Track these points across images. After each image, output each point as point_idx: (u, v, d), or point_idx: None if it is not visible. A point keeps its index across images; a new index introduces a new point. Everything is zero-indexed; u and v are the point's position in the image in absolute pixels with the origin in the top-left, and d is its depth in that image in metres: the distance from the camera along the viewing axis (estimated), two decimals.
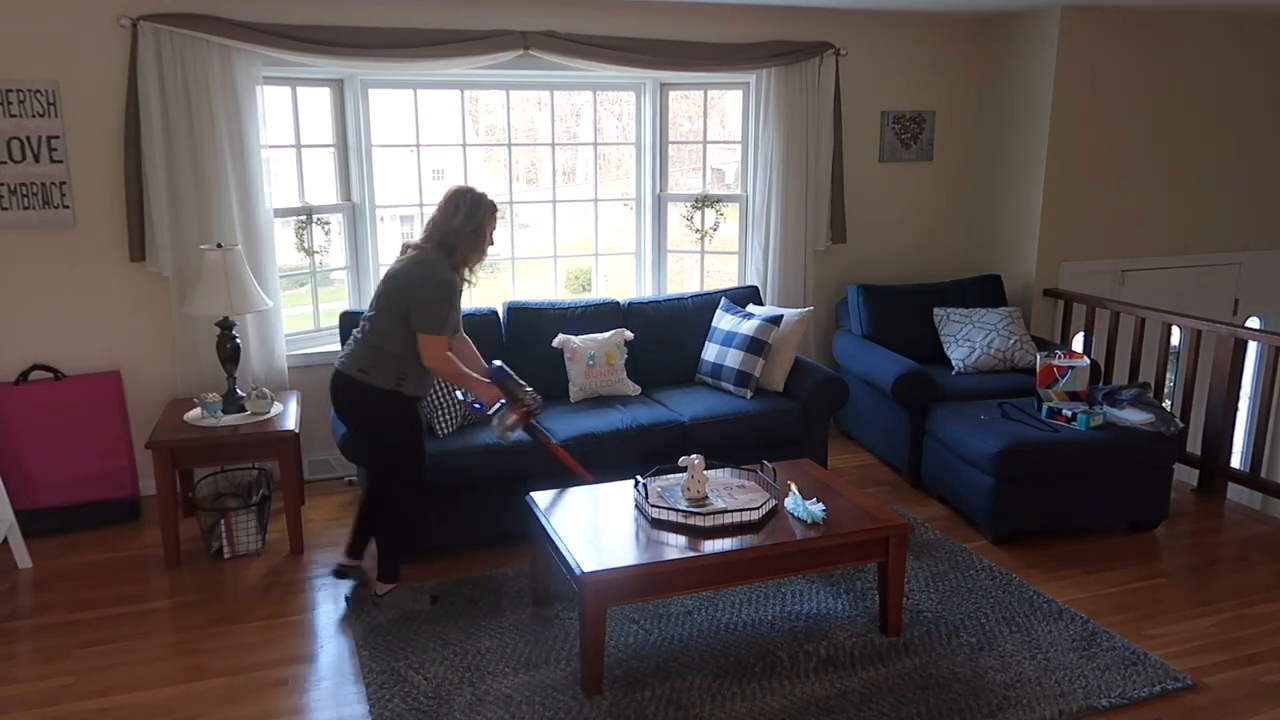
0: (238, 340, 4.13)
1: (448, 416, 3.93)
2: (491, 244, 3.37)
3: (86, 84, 4.14)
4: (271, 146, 4.53)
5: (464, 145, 5.08)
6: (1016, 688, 3.03)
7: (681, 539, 3.09)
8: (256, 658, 3.23)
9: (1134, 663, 3.17)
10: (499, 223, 3.40)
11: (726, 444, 4.24)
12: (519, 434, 3.43)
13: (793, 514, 3.27)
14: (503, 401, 3.42)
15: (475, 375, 3.40)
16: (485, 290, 5.03)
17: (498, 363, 3.47)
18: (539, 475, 3.92)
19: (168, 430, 3.90)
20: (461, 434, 3.94)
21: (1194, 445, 4.81)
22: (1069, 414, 4.14)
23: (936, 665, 3.16)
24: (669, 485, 3.45)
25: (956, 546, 4.03)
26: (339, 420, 3.61)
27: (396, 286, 3.24)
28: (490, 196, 3.34)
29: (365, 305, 4.91)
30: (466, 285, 3.39)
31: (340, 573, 3.67)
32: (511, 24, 4.67)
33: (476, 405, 3.43)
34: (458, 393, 3.49)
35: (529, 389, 3.45)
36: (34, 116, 4.07)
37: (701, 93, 5.44)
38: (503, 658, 3.20)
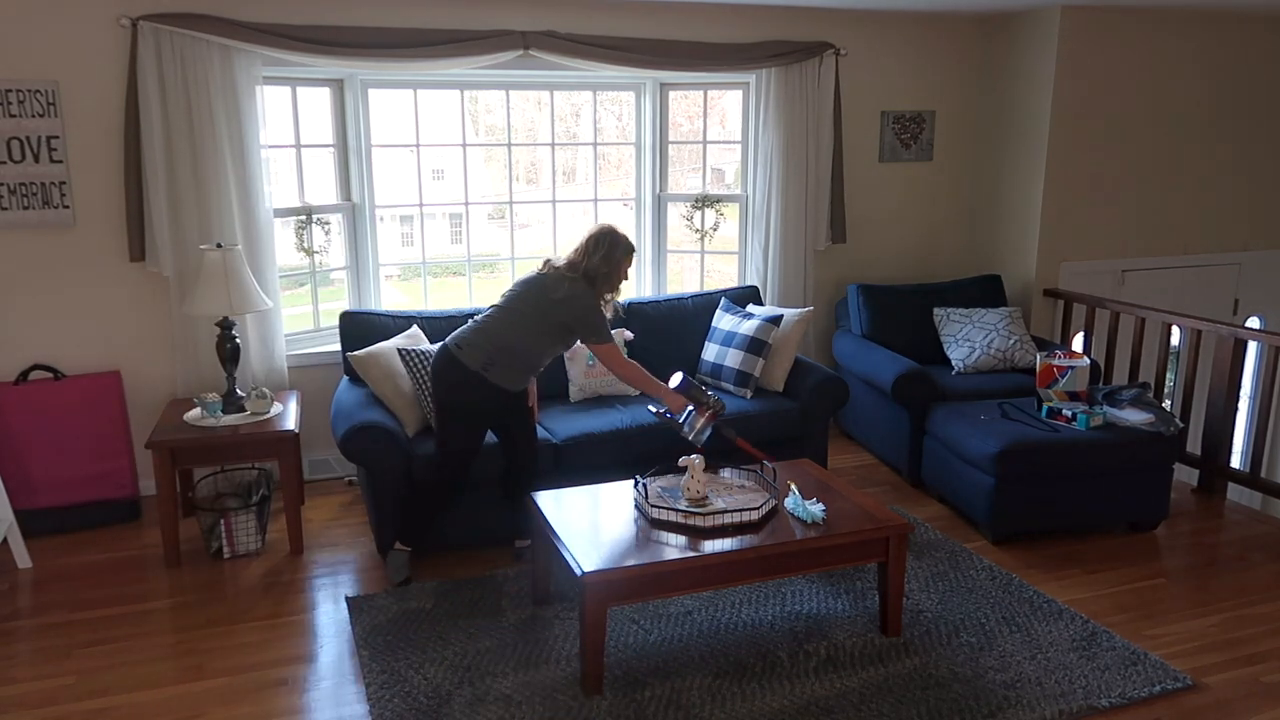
0: (237, 340, 4.13)
1: None
2: (626, 279, 3.65)
3: (86, 84, 4.14)
4: (271, 146, 4.53)
5: (464, 145, 5.08)
6: (1016, 688, 3.03)
7: (681, 539, 3.09)
8: (256, 658, 3.23)
9: (1134, 663, 3.17)
10: (634, 261, 3.69)
11: (727, 444, 4.22)
12: (709, 434, 3.59)
13: (793, 514, 3.27)
14: (691, 409, 3.56)
15: (663, 384, 3.61)
16: (485, 290, 5.04)
17: (681, 373, 3.63)
18: (539, 476, 3.92)
19: (168, 430, 3.90)
20: None
21: (1194, 445, 4.81)
22: (1069, 414, 4.14)
23: (936, 665, 3.16)
24: (669, 485, 3.45)
25: (956, 546, 4.03)
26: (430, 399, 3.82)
27: (550, 297, 3.50)
28: (628, 238, 3.61)
29: (364, 305, 4.93)
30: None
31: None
32: (511, 24, 4.67)
33: (668, 415, 3.61)
34: (650, 406, 3.71)
35: (710, 393, 3.62)
36: (34, 116, 4.07)
37: (701, 93, 5.44)
38: (503, 658, 3.20)
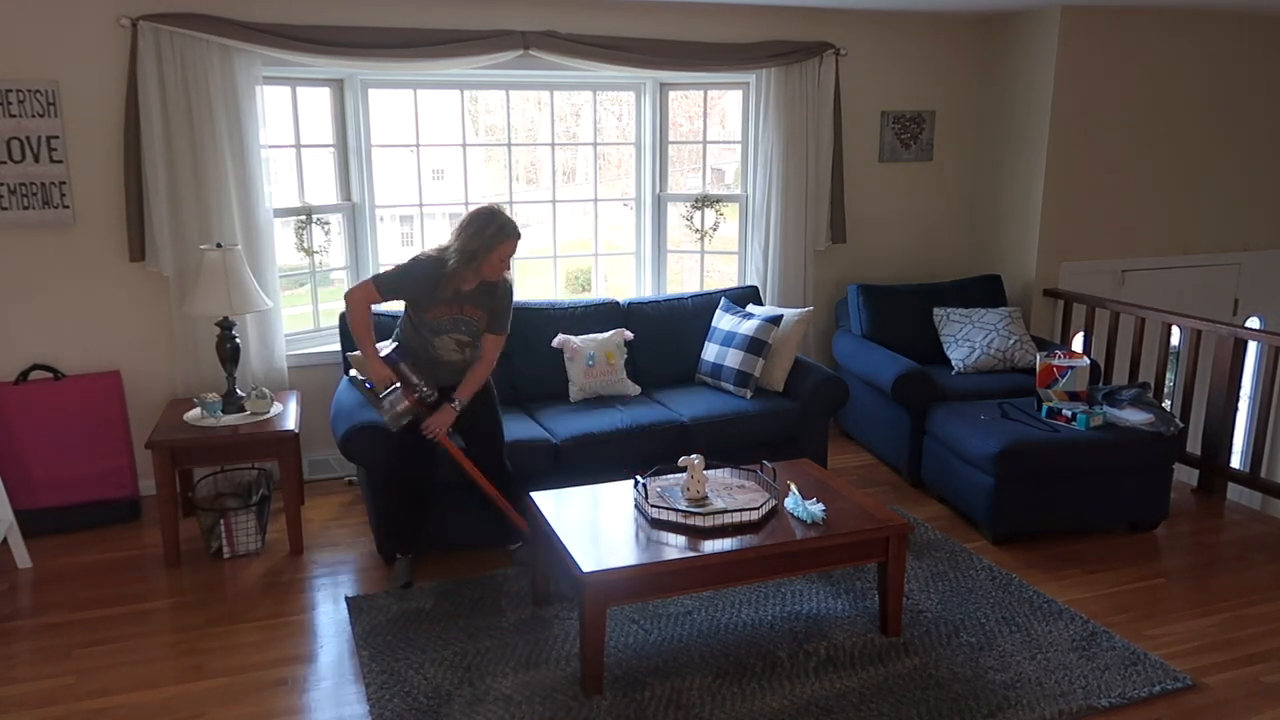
0: (237, 340, 4.13)
1: None
2: (505, 267, 3.51)
3: (86, 84, 4.14)
4: (271, 146, 4.53)
5: (464, 145, 5.08)
6: (1016, 688, 3.03)
7: (681, 539, 3.09)
8: (256, 658, 3.23)
9: (1134, 663, 3.17)
10: (514, 249, 3.50)
11: (726, 444, 4.24)
12: (407, 421, 3.45)
13: (793, 514, 3.27)
14: (396, 386, 3.42)
15: (373, 349, 3.47)
16: None
17: (397, 344, 3.51)
18: (539, 475, 3.92)
19: (168, 430, 3.90)
20: (457, 435, 3.93)
21: (1194, 445, 4.81)
22: (1069, 414, 4.14)
23: (936, 665, 3.16)
24: (669, 485, 3.45)
25: (956, 546, 4.03)
26: None
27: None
28: (511, 222, 3.45)
29: None
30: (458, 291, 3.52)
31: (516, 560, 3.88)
32: (511, 24, 4.67)
33: (368, 385, 3.47)
34: (353, 371, 3.55)
35: (420, 381, 3.46)
36: (34, 116, 4.07)
37: (701, 93, 5.44)
38: (503, 658, 3.20)
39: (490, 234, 3.41)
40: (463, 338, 3.62)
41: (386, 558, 3.88)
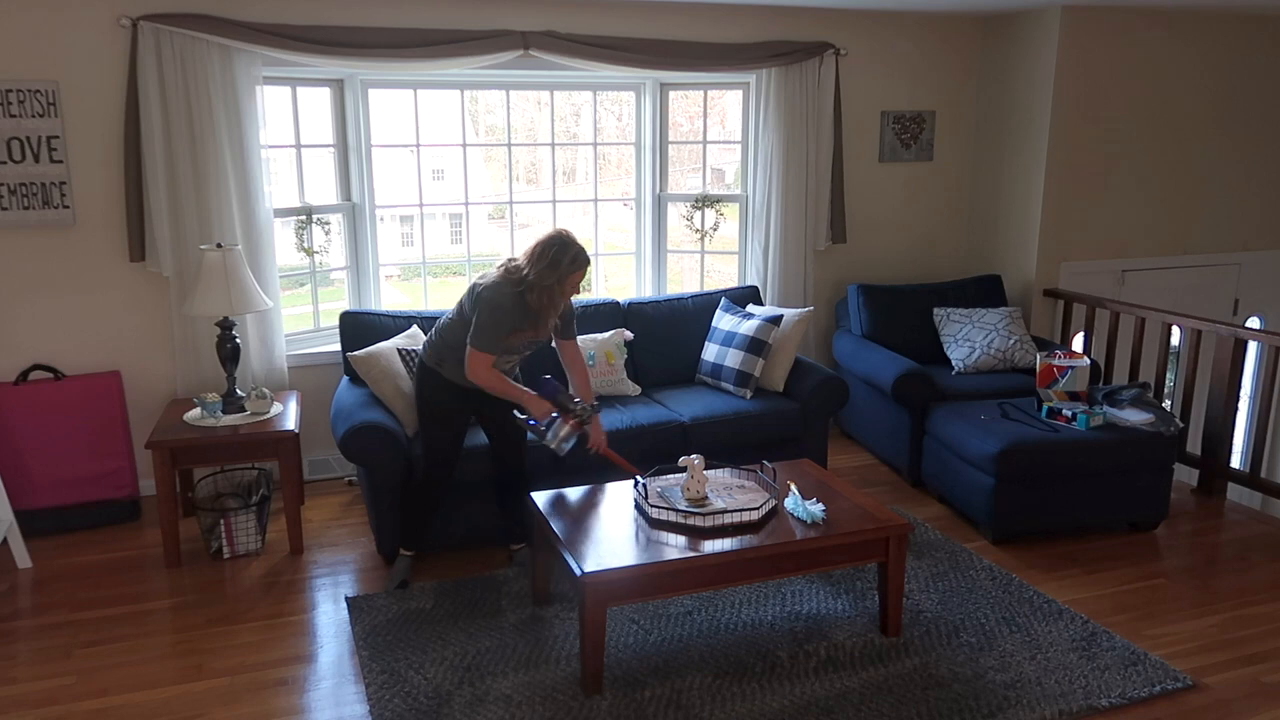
0: (237, 340, 4.13)
1: None
2: (577, 292, 3.57)
3: (86, 84, 4.14)
4: (271, 146, 4.53)
5: (464, 145, 5.08)
6: (1016, 688, 3.03)
7: (681, 539, 3.09)
8: (256, 658, 3.23)
9: (1134, 663, 3.17)
10: (586, 273, 3.50)
11: (726, 444, 4.24)
12: (572, 443, 3.54)
13: (793, 514, 3.27)
14: (555, 415, 3.50)
15: (523, 388, 3.52)
16: None
17: (548, 377, 3.57)
18: (539, 475, 3.92)
19: (168, 430, 3.90)
20: None
21: (1194, 445, 4.81)
22: (1069, 414, 4.14)
23: (936, 665, 3.16)
24: (669, 485, 3.45)
25: (956, 546, 4.03)
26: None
27: (475, 294, 3.48)
28: (582, 250, 3.43)
29: (364, 305, 4.94)
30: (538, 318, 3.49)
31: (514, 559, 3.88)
32: (511, 24, 4.67)
33: (530, 421, 3.53)
34: (515, 412, 3.60)
35: (578, 399, 3.56)
36: (34, 116, 4.07)
37: (701, 93, 5.44)
38: (503, 658, 3.20)
39: (565, 266, 3.38)
40: (526, 353, 3.68)
41: (386, 557, 3.88)
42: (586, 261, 3.45)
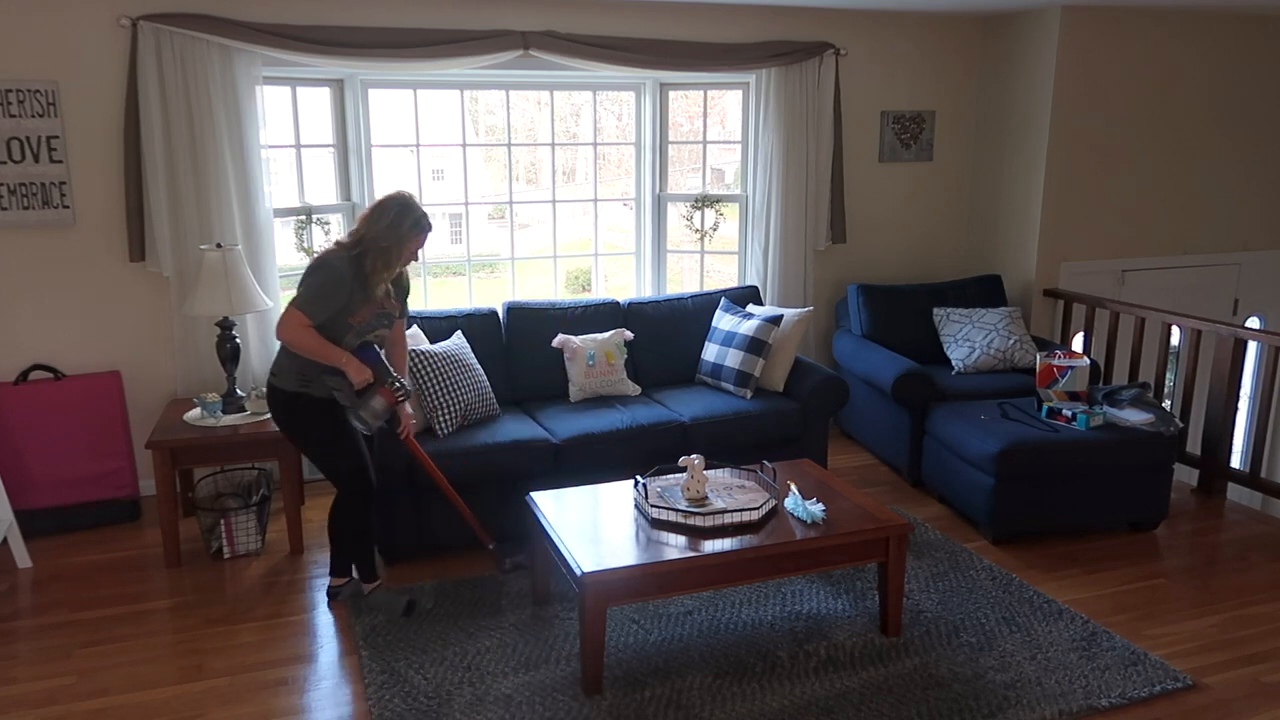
0: (237, 340, 4.13)
1: (448, 416, 3.92)
2: (415, 259, 3.33)
3: (86, 84, 4.14)
4: (271, 146, 4.53)
5: (464, 145, 5.08)
6: (1016, 688, 3.03)
7: (681, 539, 3.09)
8: (256, 658, 3.23)
9: (1134, 663, 3.17)
10: (425, 242, 3.31)
11: (726, 444, 4.24)
12: (382, 421, 3.26)
13: (793, 514, 3.27)
14: (371, 383, 3.20)
15: (343, 351, 3.18)
16: (486, 291, 5.04)
17: (371, 344, 3.28)
18: (539, 475, 3.92)
19: (168, 430, 3.90)
20: (461, 434, 3.94)
21: (1194, 445, 4.81)
22: (1069, 414, 4.14)
23: (936, 665, 3.16)
24: (669, 485, 3.45)
25: (956, 546, 4.03)
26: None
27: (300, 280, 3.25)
28: (424, 213, 3.25)
29: None
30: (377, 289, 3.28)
31: (333, 594, 3.59)
32: (511, 24, 4.67)
33: (336, 391, 3.22)
34: (325, 376, 3.22)
35: (399, 376, 3.31)
36: (34, 116, 4.07)
37: (701, 93, 5.44)
38: (503, 658, 3.20)
39: (406, 229, 3.19)
40: (384, 332, 3.38)
41: (387, 559, 3.87)
42: (428, 227, 3.25)
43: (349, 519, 3.42)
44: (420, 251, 3.34)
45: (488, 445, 3.86)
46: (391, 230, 3.18)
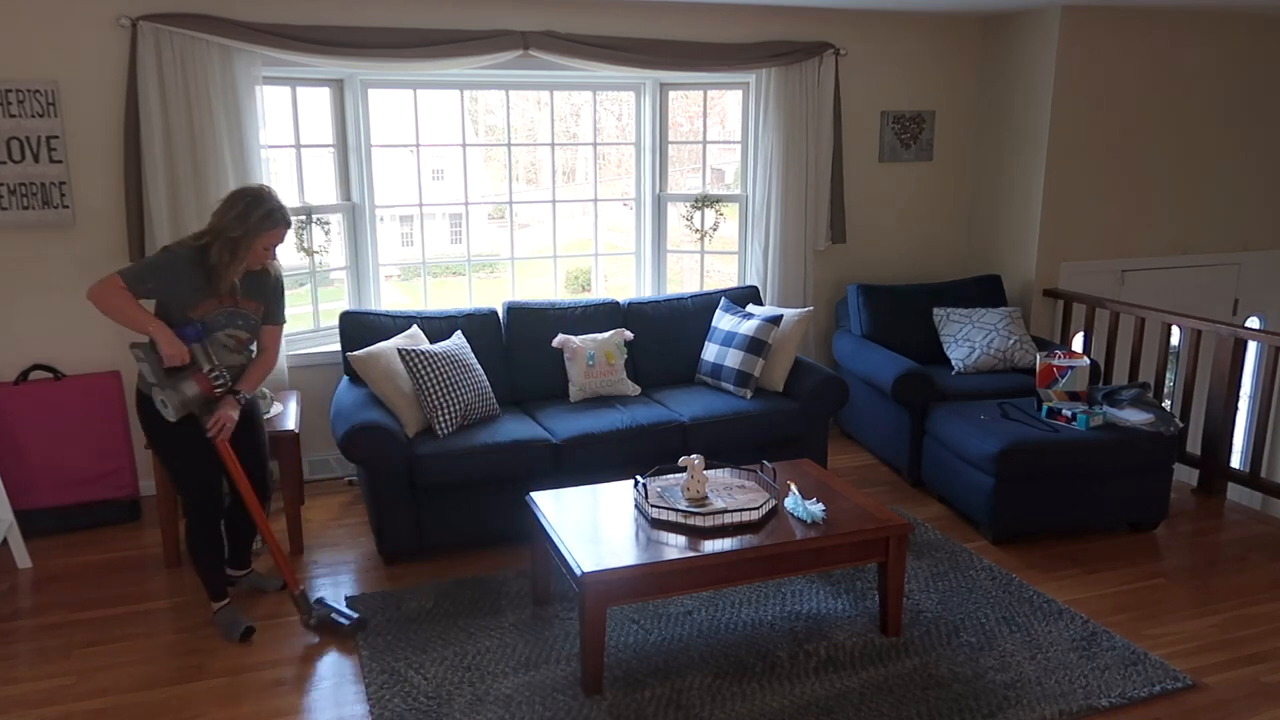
0: None
1: (447, 416, 3.92)
2: (267, 256, 3.18)
3: (86, 84, 4.14)
4: (271, 146, 4.53)
5: (464, 145, 5.08)
6: (1016, 688, 3.03)
7: (681, 539, 3.09)
8: (256, 658, 3.23)
9: (1134, 663, 3.17)
10: (282, 238, 3.18)
11: (727, 444, 4.24)
12: (188, 410, 3.02)
13: (793, 514, 3.27)
14: (187, 367, 3.01)
15: (158, 321, 3.01)
16: (486, 291, 5.04)
17: (196, 323, 3.07)
18: (539, 475, 3.92)
19: None
20: (461, 435, 3.93)
21: (1194, 445, 4.81)
22: (1069, 414, 4.14)
23: (936, 665, 3.16)
24: (669, 485, 3.45)
25: (956, 546, 4.03)
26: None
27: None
28: (282, 208, 3.13)
29: (364, 305, 4.93)
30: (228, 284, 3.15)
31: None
32: (511, 24, 4.67)
33: (141, 362, 2.98)
34: (132, 348, 3.01)
35: (220, 370, 3.09)
36: (34, 116, 4.07)
37: (701, 93, 5.44)
38: (503, 658, 3.20)
39: (255, 220, 3.06)
40: (241, 334, 3.22)
41: (387, 559, 3.87)
42: (281, 222, 3.11)
43: (196, 540, 3.27)
44: (276, 249, 3.20)
45: (488, 445, 3.86)
46: (239, 221, 3.06)
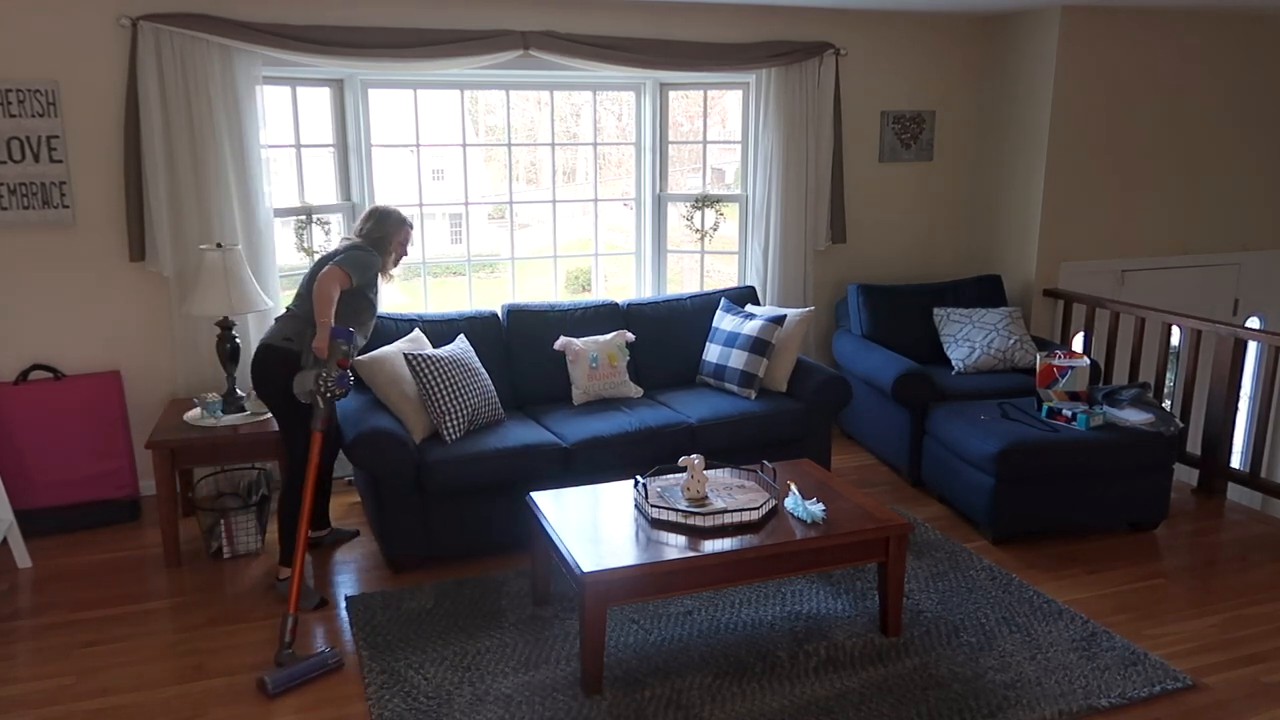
0: (237, 340, 4.13)
1: (455, 422, 3.90)
2: (405, 252, 3.85)
3: (86, 84, 4.14)
4: (271, 146, 4.53)
5: (464, 145, 5.08)
6: (1016, 688, 3.03)
7: (681, 539, 3.09)
8: (256, 658, 3.23)
9: (1134, 663, 3.17)
10: (411, 236, 3.85)
11: (733, 445, 4.23)
12: (331, 394, 3.31)
13: (793, 514, 3.27)
14: (324, 364, 3.32)
15: (329, 322, 3.38)
16: (486, 291, 5.04)
17: (350, 329, 3.39)
18: (549, 479, 3.91)
19: (168, 430, 3.90)
20: (468, 440, 3.92)
21: (1194, 445, 4.81)
22: (1069, 414, 4.14)
23: (936, 665, 3.16)
24: (669, 485, 3.45)
25: (956, 546, 4.03)
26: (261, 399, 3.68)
27: (326, 257, 3.62)
28: (399, 213, 3.78)
29: None
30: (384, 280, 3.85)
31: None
32: (511, 24, 4.67)
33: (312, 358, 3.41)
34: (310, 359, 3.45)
35: (329, 376, 3.32)
36: (34, 116, 4.07)
37: (701, 93, 5.44)
38: (503, 658, 3.20)
39: (393, 222, 3.74)
40: (369, 325, 3.78)
41: (388, 559, 3.87)
42: (403, 220, 3.79)
43: (285, 494, 3.58)
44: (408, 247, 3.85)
45: (498, 450, 3.83)
46: (379, 226, 3.75)
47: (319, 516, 4.06)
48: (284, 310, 3.70)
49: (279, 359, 3.52)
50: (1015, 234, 5.58)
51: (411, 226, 3.85)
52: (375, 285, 3.71)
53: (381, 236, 3.73)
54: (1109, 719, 2.91)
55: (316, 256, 4.79)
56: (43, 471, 4.14)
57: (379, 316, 4.35)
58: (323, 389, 3.30)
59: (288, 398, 3.50)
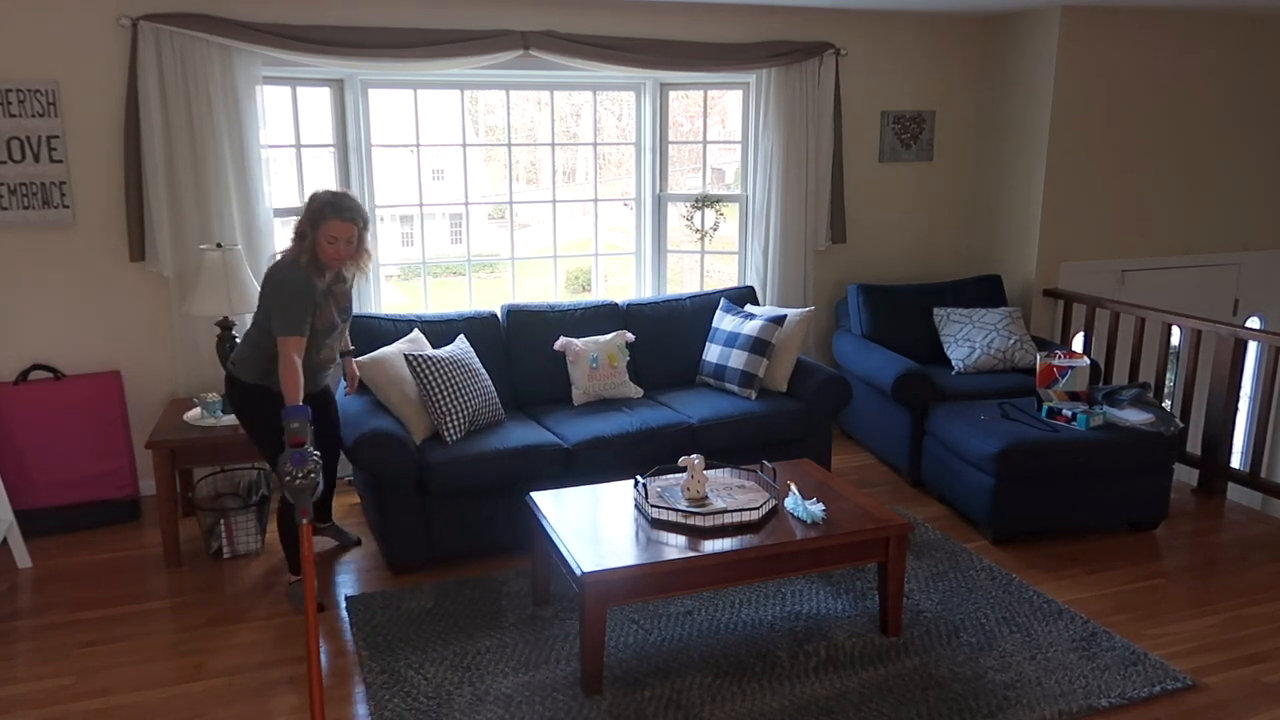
0: (237, 340, 4.12)
1: (456, 423, 3.90)
2: (335, 253, 3.25)
3: (86, 84, 4.14)
4: (271, 146, 4.53)
5: (464, 145, 5.08)
6: (1016, 688, 3.03)
7: (681, 539, 3.09)
8: (256, 658, 3.23)
9: (1134, 663, 3.17)
10: (347, 232, 3.25)
11: (733, 445, 4.23)
12: (306, 486, 2.68)
13: (793, 514, 3.27)
14: (300, 449, 2.69)
15: (297, 400, 3.13)
16: (486, 291, 5.04)
17: (301, 406, 2.89)
18: (550, 480, 3.91)
19: (168, 430, 3.90)
20: (469, 441, 3.91)
21: (1194, 445, 4.81)
22: (1069, 414, 4.14)
23: (936, 665, 3.16)
24: (669, 485, 3.45)
25: (956, 546, 4.03)
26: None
27: (262, 289, 3.33)
28: (333, 199, 3.23)
29: (364, 305, 4.92)
30: (339, 284, 3.44)
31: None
32: (511, 24, 4.67)
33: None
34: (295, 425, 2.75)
35: (304, 457, 2.68)
36: (34, 116, 4.07)
37: (701, 93, 5.44)
38: (503, 658, 3.20)
39: (314, 210, 3.21)
40: (342, 325, 3.53)
41: (389, 559, 3.87)
42: (340, 214, 3.20)
43: (285, 504, 3.48)
44: (346, 244, 3.28)
45: (500, 451, 3.83)
46: (308, 220, 3.27)
47: (321, 511, 4.06)
48: (246, 333, 3.44)
49: (229, 381, 3.46)
50: (1015, 234, 5.58)
51: (350, 220, 3.21)
52: (318, 308, 3.29)
53: (302, 233, 3.24)
54: (1109, 719, 2.91)
55: None
56: (43, 471, 4.14)
57: (379, 317, 4.35)
58: (287, 479, 2.67)
59: (242, 417, 3.47)
